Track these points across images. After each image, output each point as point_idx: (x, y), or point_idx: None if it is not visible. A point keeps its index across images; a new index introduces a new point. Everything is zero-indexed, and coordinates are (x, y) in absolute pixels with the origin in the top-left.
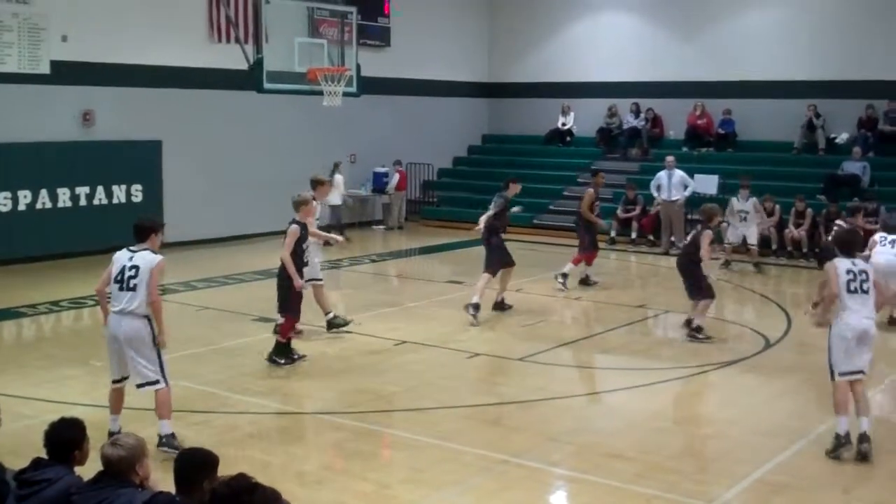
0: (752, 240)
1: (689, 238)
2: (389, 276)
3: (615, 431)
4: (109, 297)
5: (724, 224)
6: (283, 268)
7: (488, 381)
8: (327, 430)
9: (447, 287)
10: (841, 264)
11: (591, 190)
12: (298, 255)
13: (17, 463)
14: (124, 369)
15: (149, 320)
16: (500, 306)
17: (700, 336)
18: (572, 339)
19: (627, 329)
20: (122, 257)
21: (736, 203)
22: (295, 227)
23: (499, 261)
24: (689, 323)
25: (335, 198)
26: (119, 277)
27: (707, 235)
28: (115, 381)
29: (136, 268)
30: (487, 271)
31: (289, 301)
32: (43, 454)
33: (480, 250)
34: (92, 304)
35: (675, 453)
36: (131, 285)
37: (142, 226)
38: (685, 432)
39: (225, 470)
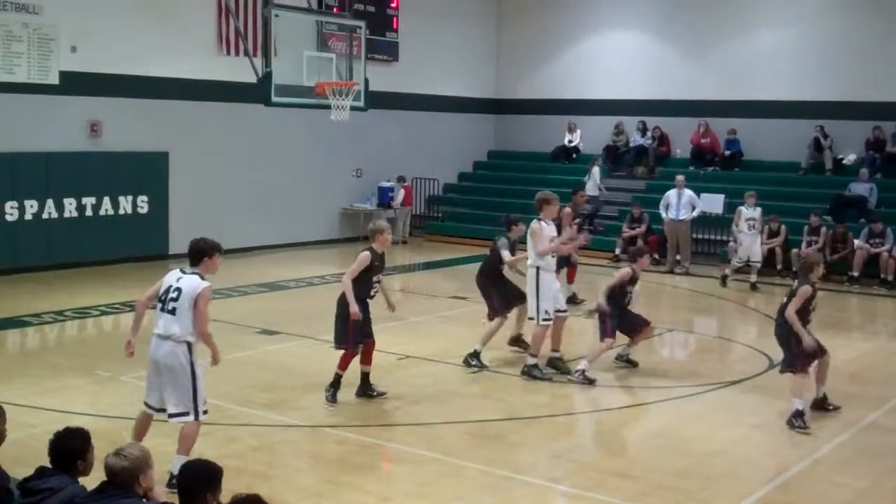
0: (756, 257)
1: (786, 297)
2: (394, 291)
3: (618, 449)
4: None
5: (731, 243)
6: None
7: (491, 397)
8: (329, 444)
9: (451, 302)
10: None
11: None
12: (364, 284)
13: (21, 472)
14: (154, 396)
15: (189, 347)
16: None
17: None
18: (575, 356)
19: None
20: (170, 277)
21: (745, 211)
22: (365, 254)
23: None
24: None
25: (593, 189)
26: (162, 297)
27: (804, 292)
28: (146, 405)
29: (179, 290)
30: None
31: (344, 330)
32: (47, 463)
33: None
34: (97, 314)
35: (678, 472)
36: (170, 308)
37: (194, 248)
38: (688, 451)
39: (227, 482)
